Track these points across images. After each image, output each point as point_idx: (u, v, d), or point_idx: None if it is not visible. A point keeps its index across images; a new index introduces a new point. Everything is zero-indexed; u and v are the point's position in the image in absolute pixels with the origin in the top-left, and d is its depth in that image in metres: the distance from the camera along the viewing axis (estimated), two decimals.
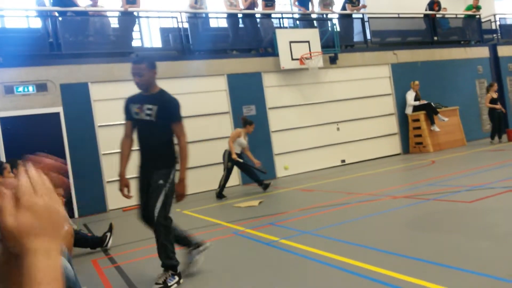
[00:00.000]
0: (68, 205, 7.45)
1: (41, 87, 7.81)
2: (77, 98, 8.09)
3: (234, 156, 7.51)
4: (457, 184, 5.99)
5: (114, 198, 8.31)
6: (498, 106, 10.99)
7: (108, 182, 8.28)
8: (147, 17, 10.07)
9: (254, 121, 8.11)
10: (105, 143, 8.22)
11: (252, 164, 7.77)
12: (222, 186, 7.74)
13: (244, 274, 3.43)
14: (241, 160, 7.66)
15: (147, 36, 10.87)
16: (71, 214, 7.71)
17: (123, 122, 3.64)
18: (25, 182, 0.69)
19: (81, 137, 8.01)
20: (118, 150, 3.61)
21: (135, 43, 9.50)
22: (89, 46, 8.53)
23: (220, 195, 7.70)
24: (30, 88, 7.74)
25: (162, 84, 8.99)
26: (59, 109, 7.93)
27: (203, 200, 8.02)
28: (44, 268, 0.64)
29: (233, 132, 8.11)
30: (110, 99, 8.35)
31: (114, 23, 9.31)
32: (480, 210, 4.40)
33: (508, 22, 15.65)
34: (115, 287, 3.47)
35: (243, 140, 7.72)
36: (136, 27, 9.48)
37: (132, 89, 3.47)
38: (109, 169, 8.24)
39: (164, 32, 10.12)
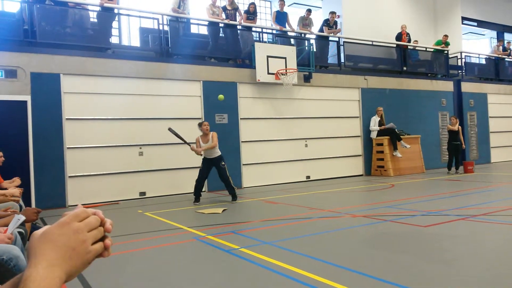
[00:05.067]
0: (25, 196, 7.22)
1: (10, 73, 7.59)
2: (47, 89, 7.90)
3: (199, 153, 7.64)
4: (414, 209, 6.27)
5: (74, 194, 8.12)
6: (462, 140, 11.46)
7: (70, 177, 8.09)
8: (128, 15, 10.00)
9: (226, 130, 8.16)
10: (71, 137, 8.03)
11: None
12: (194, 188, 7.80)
13: (197, 278, 3.47)
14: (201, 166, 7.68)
15: (126, 34, 10.79)
16: (28, 206, 7.45)
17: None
18: (93, 219, 0.77)
19: (47, 128, 7.81)
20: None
21: (113, 39, 9.41)
22: (65, 37, 8.37)
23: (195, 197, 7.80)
24: None
25: (137, 84, 8.97)
26: (27, 98, 7.72)
27: (170, 203, 7.98)
28: (40, 279, 0.65)
29: None
30: (81, 93, 8.20)
31: (93, 17, 9.20)
32: (433, 234, 4.65)
33: (473, 60, 16.58)
34: (67, 284, 3.43)
35: (203, 144, 7.62)
36: (115, 24, 9.40)
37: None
38: (73, 163, 8.06)
39: (144, 32, 10.08)
